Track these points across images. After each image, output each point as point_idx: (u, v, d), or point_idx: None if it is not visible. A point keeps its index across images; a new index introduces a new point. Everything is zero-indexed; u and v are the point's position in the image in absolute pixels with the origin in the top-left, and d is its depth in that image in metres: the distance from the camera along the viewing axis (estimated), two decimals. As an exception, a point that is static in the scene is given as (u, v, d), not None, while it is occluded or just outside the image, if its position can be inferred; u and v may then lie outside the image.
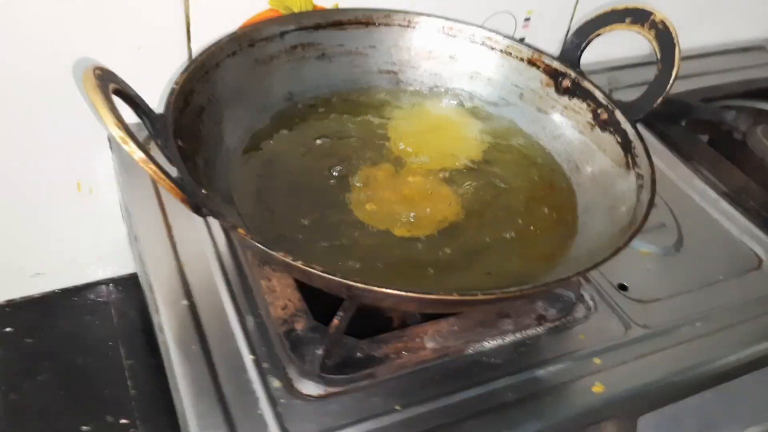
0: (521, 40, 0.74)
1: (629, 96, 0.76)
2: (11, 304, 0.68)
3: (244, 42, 0.54)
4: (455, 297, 0.36)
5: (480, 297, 0.36)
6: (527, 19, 0.73)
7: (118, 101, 0.39)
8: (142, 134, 0.46)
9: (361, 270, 0.45)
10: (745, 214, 0.63)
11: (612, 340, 0.50)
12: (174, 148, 0.42)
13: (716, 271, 0.57)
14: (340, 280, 0.36)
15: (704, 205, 0.64)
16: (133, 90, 0.41)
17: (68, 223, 0.66)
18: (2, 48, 0.53)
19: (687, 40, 0.85)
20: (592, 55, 0.59)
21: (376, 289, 0.35)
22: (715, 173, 0.67)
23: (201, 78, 0.50)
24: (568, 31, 0.77)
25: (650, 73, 0.54)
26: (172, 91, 0.46)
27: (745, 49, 0.88)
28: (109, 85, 0.38)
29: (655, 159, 0.68)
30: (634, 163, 0.49)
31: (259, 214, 0.48)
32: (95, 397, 0.63)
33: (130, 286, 0.71)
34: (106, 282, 0.71)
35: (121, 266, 0.70)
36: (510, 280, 0.45)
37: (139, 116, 0.42)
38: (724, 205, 0.64)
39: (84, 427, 0.60)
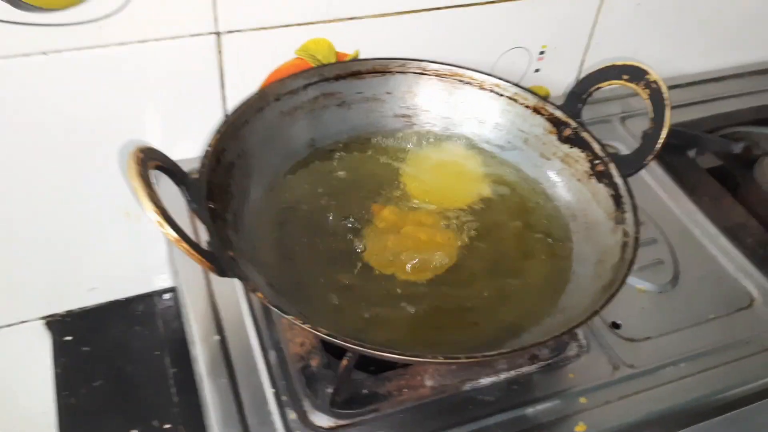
0: (536, 71, 0.79)
1: (642, 123, 0.80)
2: (70, 315, 0.77)
3: (271, 97, 0.59)
4: (440, 360, 0.41)
5: (463, 360, 0.41)
6: (542, 53, 0.77)
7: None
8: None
9: (367, 320, 0.50)
10: (743, 251, 0.66)
11: (599, 379, 0.54)
12: (206, 212, 0.48)
13: (708, 310, 0.61)
14: (341, 343, 0.42)
15: (704, 241, 0.67)
16: (171, 162, 0.48)
17: (118, 245, 0.73)
18: (76, 118, 0.61)
19: (701, 63, 0.88)
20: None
21: (369, 351, 0.41)
22: (716, 207, 0.70)
23: (232, 136, 0.55)
24: (581, 63, 0.80)
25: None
26: (207, 153, 0.52)
27: (762, 72, 0.89)
28: (150, 164, 0.45)
29: (660, 191, 0.72)
30: (623, 220, 0.53)
31: (279, 262, 0.54)
32: (143, 402, 0.70)
33: (172, 299, 0.78)
34: (151, 295, 0.79)
35: (165, 281, 0.77)
36: (498, 330, 0.50)
37: (177, 185, 0.48)
38: (723, 241, 0.67)
39: (133, 430, 0.68)
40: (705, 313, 0.61)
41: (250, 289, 0.46)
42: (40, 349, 0.74)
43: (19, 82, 0.57)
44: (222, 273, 0.44)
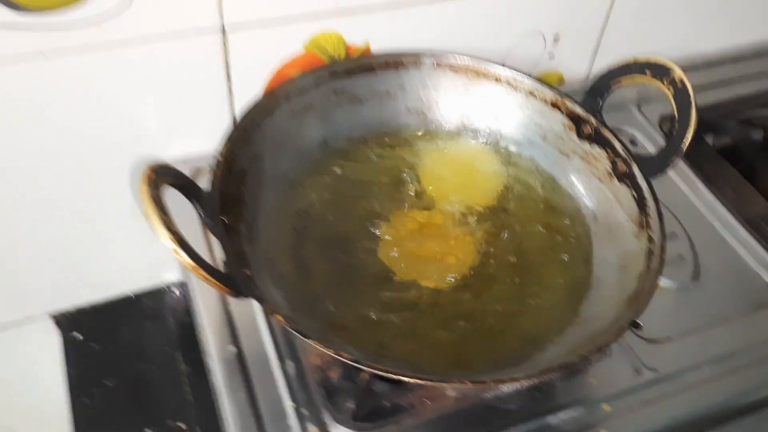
0: (550, 56, 0.76)
1: (659, 108, 0.78)
2: (80, 312, 0.76)
3: (281, 98, 0.57)
4: (468, 384, 0.40)
5: (490, 384, 0.40)
6: (556, 38, 0.74)
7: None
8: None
9: (390, 331, 0.49)
10: (764, 245, 0.65)
11: (621, 385, 0.54)
12: (220, 227, 0.47)
13: (729, 308, 0.60)
14: (368, 369, 0.41)
15: (724, 234, 0.66)
16: (183, 178, 0.46)
17: (125, 240, 0.72)
18: (81, 118, 0.59)
19: (719, 43, 0.85)
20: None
21: (396, 376, 0.40)
22: (737, 198, 0.68)
23: (243, 142, 0.53)
24: (597, 46, 0.77)
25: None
26: (218, 163, 0.50)
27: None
28: (161, 182, 0.43)
29: (679, 182, 0.71)
30: (648, 224, 0.52)
31: (296, 272, 0.52)
32: (156, 401, 0.70)
33: (181, 293, 0.77)
34: (160, 290, 0.78)
35: (173, 275, 0.76)
36: (521, 341, 0.50)
37: (191, 201, 0.47)
38: (744, 233, 0.66)
39: (147, 430, 0.68)
40: (726, 311, 0.60)
41: (269, 311, 0.45)
42: (50, 347, 0.74)
43: (19, 84, 0.55)
44: (239, 294, 0.43)
